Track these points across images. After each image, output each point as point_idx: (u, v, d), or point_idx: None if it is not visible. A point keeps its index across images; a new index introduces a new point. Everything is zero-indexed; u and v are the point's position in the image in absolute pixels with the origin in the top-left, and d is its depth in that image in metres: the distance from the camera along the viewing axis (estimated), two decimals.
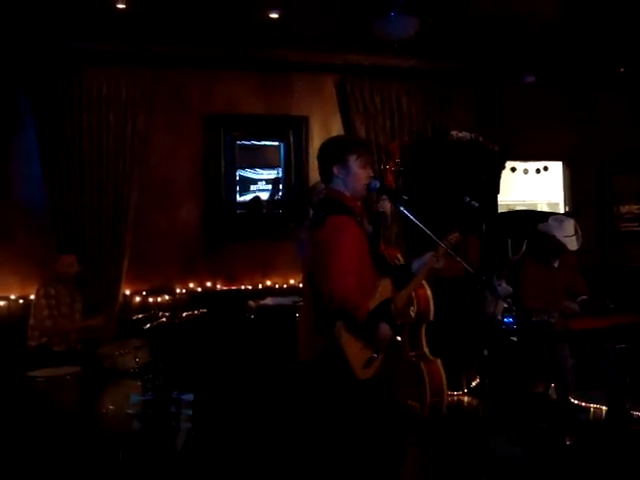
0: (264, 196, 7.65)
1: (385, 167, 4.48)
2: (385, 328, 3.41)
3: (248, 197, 7.57)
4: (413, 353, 5.40)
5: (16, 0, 5.74)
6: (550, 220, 5.94)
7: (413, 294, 5.05)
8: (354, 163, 3.55)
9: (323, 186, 3.85)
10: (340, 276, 3.26)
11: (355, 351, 3.39)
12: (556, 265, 5.97)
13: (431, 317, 5.42)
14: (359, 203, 3.67)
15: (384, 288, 3.57)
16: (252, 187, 7.60)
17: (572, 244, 5.82)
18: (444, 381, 5.32)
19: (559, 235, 5.79)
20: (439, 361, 5.39)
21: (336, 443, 3.45)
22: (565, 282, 5.91)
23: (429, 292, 5.40)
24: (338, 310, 3.30)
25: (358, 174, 3.55)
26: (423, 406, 5.18)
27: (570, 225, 5.86)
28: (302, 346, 3.61)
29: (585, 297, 5.82)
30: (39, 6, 5.87)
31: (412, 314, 5.25)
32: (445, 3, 6.06)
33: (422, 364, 5.29)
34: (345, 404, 3.42)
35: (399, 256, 5.17)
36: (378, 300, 3.49)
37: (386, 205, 4.49)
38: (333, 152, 3.62)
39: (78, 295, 6.15)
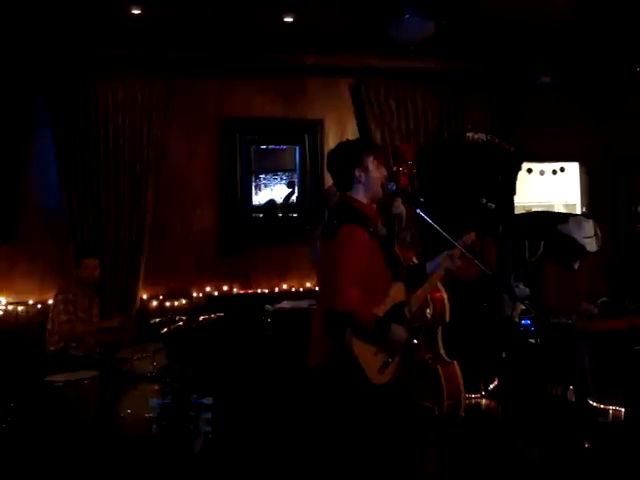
0: (279, 199, 7.65)
1: (398, 169, 4.48)
2: (398, 329, 3.39)
3: (264, 200, 7.58)
4: (430, 355, 5.41)
5: (32, 8, 5.78)
6: (569, 222, 5.91)
7: (429, 296, 5.05)
8: (372, 164, 3.54)
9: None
10: (345, 289, 3.26)
11: (369, 356, 3.38)
12: (576, 267, 5.93)
13: (447, 319, 5.42)
14: (374, 207, 3.65)
15: (396, 292, 3.57)
16: (268, 191, 7.61)
17: (591, 245, 5.79)
18: (461, 383, 5.32)
19: (578, 236, 5.76)
20: (456, 363, 5.40)
21: (353, 448, 3.44)
22: (586, 284, 5.88)
23: (444, 294, 5.40)
24: (343, 319, 3.30)
25: (375, 175, 3.55)
26: (441, 408, 5.18)
27: (589, 226, 5.83)
28: (315, 350, 3.61)
29: (606, 299, 5.78)
30: (54, 13, 5.91)
31: (428, 316, 5.25)
32: (460, 4, 6.05)
33: (439, 367, 5.29)
34: (362, 409, 3.41)
35: (414, 259, 5.17)
36: (390, 304, 3.48)
37: (401, 207, 4.49)
38: (351, 156, 3.59)
39: (96, 300, 6.19)
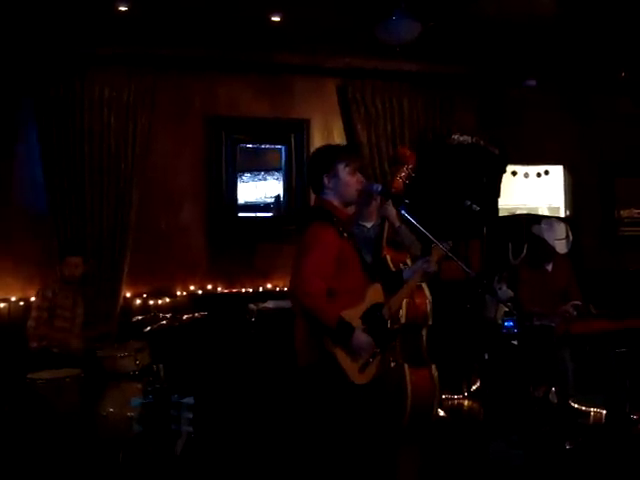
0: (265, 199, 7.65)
1: (395, 172, 4.46)
2: (361, 336, 3.37)
3: (250, 200, 7.58)
4: (401, 357, 5.33)
5: (18, 4, 5.74)
6: (542, 223, 5.96)
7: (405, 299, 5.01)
8: (343, 171, 3.56)
9: None
10: (308, 278, 3.28)
11: (348, 356, 3.39)
12: (549, 269, 5.96)
13: (429, 321, 5.36)
14: (347, 211, 3.67)
15: (373, 293, 3.58)
16: (253, 190, 7.60)
17: (562, 247, 5.82)
18: (436, 387, 5.17)
19: (549, 238, 5.80)
20: (433, 366, 5.29)
21: (334, 447, 3.45)
22: (560, 286, 5.90)
23: (428, 296, 5.32)
24: (305, 313, 3.33)
25: (347, 181, 3.56)
26: (403, 411, 5.09)
27: (561, 228, 5.87)
28: (299, 351, 3.61)
29: (577, 302, 5.81)
30: (40, 10, 5.87)
31: (401, 319, 5.17)
32: (447, 7, 6.06)
33: (407, 367, 5.18)
34: (344, 409, 3.42)
35: (408, 261, 5.12)
36: (366, 305, 3.50)
37: (390, 211, 4.49)
38: (322, 162, 3.63)
39: (80, 299, 6.16)
